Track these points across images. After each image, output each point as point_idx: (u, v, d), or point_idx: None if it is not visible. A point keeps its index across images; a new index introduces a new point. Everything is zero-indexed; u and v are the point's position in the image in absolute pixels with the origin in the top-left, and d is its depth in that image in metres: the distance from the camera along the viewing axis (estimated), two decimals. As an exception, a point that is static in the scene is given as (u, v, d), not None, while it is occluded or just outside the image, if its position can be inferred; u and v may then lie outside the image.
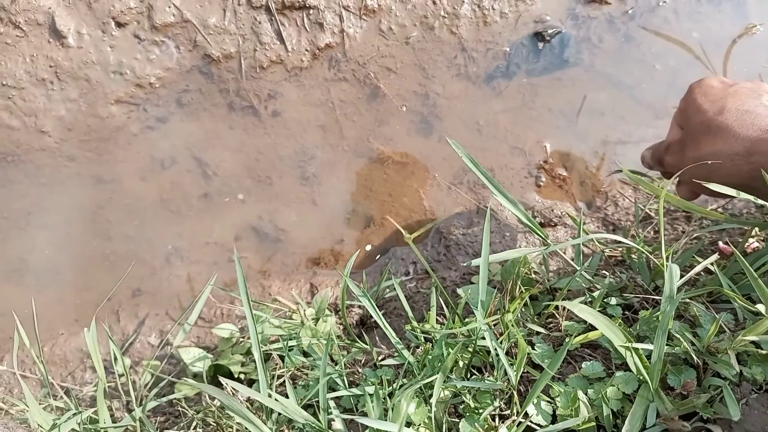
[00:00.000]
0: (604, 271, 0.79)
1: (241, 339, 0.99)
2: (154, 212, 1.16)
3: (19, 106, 1.14)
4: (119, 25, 1.15)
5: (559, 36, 1.21)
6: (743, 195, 0.66)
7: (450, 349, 0.63)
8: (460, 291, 0.89)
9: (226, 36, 1.18)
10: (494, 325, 0.73)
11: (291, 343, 0.81)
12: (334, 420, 0.60)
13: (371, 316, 1.09)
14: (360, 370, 0.76)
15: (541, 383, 0.54)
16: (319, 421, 0.60)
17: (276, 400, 0.57)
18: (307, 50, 1.20)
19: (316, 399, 0.65)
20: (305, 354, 0.86)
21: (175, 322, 1.10)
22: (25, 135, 1.15)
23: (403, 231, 0.60)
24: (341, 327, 1.05)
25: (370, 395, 0.60)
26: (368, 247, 1.16)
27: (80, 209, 1.16)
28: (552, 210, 1.14)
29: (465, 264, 0.64)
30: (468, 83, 1.22)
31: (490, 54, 1.22)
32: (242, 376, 0.96)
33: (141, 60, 1.17)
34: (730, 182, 0.70)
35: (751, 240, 0.81)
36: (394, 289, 1.08)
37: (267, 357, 0.96)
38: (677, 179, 0.77)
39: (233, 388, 0.67)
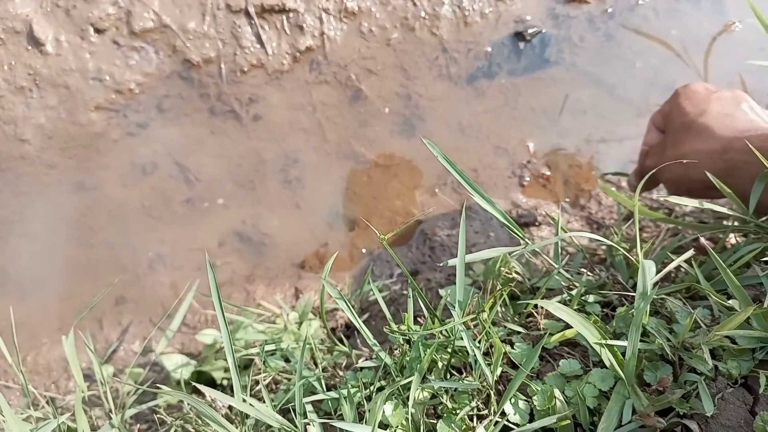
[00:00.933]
0: (583, 269, 0.79)
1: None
2: (137, 219, 1.16)
3: (-2, 115, 1.14)
4: (98, 31, 1.15)
5: (540, 35, 1.22)
6: (707, 205, 0.68)
7: (427, 350, 0.63)
8: (441, 292, 0.89)
9: (205, 40, 1.18)
10: (474, 325, 0.72)
11: (271, 347, 0.81)
12: (310, 424, 0.60)
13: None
14: (341, 373, 0.76)
15: (516, 382, 0.54)
16: (295, 425, 0.59)
17: (251, 405, 0.56)
18: (287, 53, 1.20)
19: (293, 403, 0.65)
20: (287, 359, 0.86)
21: (157, 328, 1.10)
22: (4, 143, 1.14)
23: (377, 232, 0.60)
24: (325, 331, 1.04)
25: (345, 398, 0.59)
26: (364, 250, 1.16)
27: (62, 217, 1.15)
28: (536, 209, 1.14)
29: (442, 264, 0.63)
30: (450, 84, 1.22)
31: (471, 54, 1.22)
32: (225, 382, 0.96)
33: (120, 66, 1.16)
34: (707, 179, 0.71)
35: (731, 235, 0.81)
36: (378, 291, 1.08)
37: (249, 362, 0.95)
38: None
39: (211, 396, 0.66)
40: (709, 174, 0.69)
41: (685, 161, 0.74)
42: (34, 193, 1.15)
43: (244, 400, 0.56)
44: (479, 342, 0.62)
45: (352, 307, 1.07)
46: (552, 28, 1.22)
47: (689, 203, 0.71)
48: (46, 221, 1.15)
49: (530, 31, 1.20)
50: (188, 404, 0.76)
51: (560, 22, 1.22)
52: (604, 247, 0.97)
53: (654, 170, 0.77)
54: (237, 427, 0.56)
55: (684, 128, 0.76)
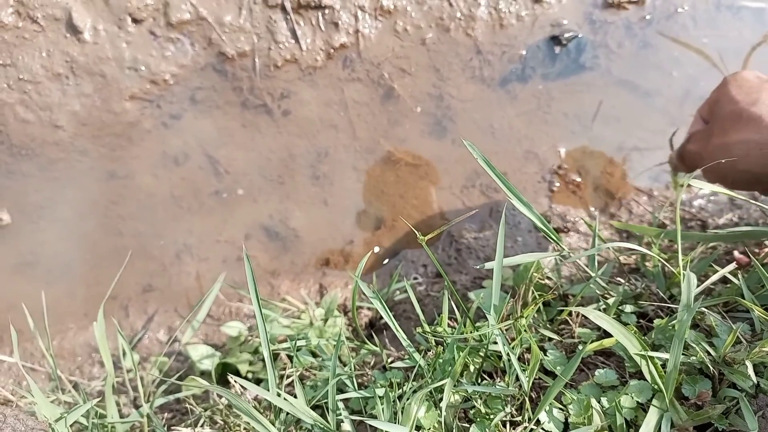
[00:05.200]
0: (619, 278, 0.78)
1: (250, 337, 0.99)
2: (166, 209, 1.17)
3: (35, 100, 1.15)
4: (135, 21, 1.16)
5: (576, 40, 1.20)
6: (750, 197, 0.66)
7: (460, 353, 0.62)
8: (471, 295, 0.89)
9: (241, 34, 1.18)
10: (506, 330, 0.72)
11: (299, 343, 0.81)
12: (342, 421, 0.60)
13: (380, 318, 1.09)
14: (369, 372, 0.76)
15: (554, 390, 0.54)
16: (327, 422, 0.59)
17: (285, 399, 0.56)
18: (321, 50, 1.20)
19: (325, 400, 0.65)
20: (313, 354, 0.86)
21: (184, 319, 1.10)
22: (39, 129, 1.15)
23: (416, 232, 0.59)
24: (350, 328, 1.04)
25: (380, 397, 0.59)
26: (377, 249, 1.16)
27: (92, 204, 1.16)
28: (565, 216, 1.13)
29: (478, 267, 0.63)
30: (482, 86, 1.21)
31: (505, 57, 1.21)
32: (250, 375, 0.96)
33: (156, 57, 1.17)
34: (755, 172, 0.70)
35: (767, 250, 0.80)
36: (404, 291, 1.08)
37: (275, 356, 0.96)
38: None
39: (241, 386, 0.66)
40: None
41: (732, 152, 0.70)
42: (66, 179, 1.16)
43: (278, 395, 0.56)
44: (513, 348, 0.61)
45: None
46: (589, 34, 1.21)
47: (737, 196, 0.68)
48: (76, 208, 1.16)
49: (566, 35, 1.19)
50: (217, 395, 0.76)
51: (597, 28, 1.21)
52: (634, 257, 0.96)
53: (695, 156, 0.75)
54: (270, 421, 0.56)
55: (733, 116, 0.72)
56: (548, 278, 0.81)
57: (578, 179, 1.17)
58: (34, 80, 1.14)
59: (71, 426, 0.73)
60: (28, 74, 1.14)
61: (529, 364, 0.63)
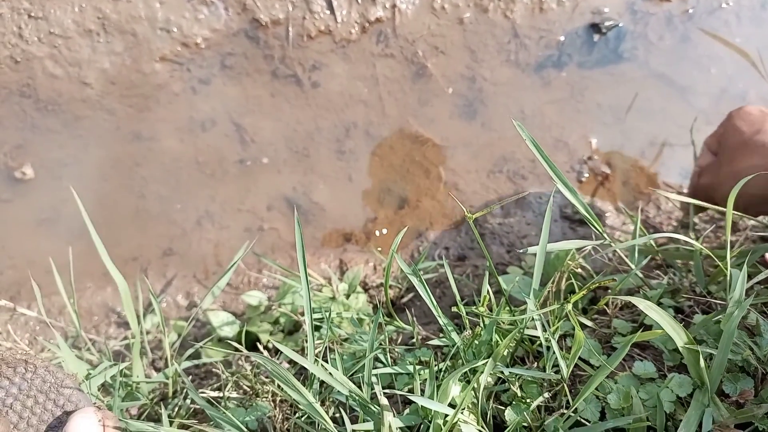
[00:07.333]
0: (658, 272, 0.77)
1: (271, 306, 0.98)
2: (189, 174, 1.15)
3: (64, 56, 1.13)
4: (170, -20, 1.13)
5: (616, 29, 1.18)
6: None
7: (499, 336, 0.62)
8: (501, 280, 0.88)
9: (276, 1, 1.16)
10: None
11: (326, 315, 0.80)
12: (376, 395, 0.59)
13: (401, 298, 1.08)
14: (396, 349, 0.75)
15: (597, 378, 0.53)
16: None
17: (324, 368, 0.56)
18: (356, 23, 1.18)
19: (357, 374, 0.64)
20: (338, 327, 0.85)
21: (203, 285, 1.10)
22: (67, 85, 1.14)
23: (464, 209, 0.58)
24: (370, 305, 1.03)
25: (419, 374, 0.59)
26: (384, 231, 1.15)
27: (116, 164, 1.15)
28: (592, 207, 1.12)
29: (521, 251, 0.62)
30: (517, 70, 1.19)
31: (542, 42, 1.19)
32: (270, 345, 0.96)
33: (189, 19, 1.15)
34: (765, 195, 0.74)
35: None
36: (426, 272, 1.07)
37: (297, 328, 0.95)
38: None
39: (275, 351, 0.66)
40: None
41: (741, 178, 0.73)
42: (91, 137, 1.15)
43: (316, 363, 0.55)
44: (554, 332, 0.61)
45: (400, 286, 1.06)
46: (629, 24, 1.19)
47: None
48: (99, 167, 1.15)
49: (607, 23, 1.17)
50: (245, 360, 0.76)
51: (638, 18, 1.19)
52: (663, 252, 0.95)
53: (708, 189, 0.78)
54: (308, 389, 0.55)
55: (740, 146, 0.78)
56: (582, 267, 0.80)
57: (607, 171, 1.15)
58: (64, 35, 1.13)
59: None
60: (59, 28, 1.12)
61: (563, 351, 0.63)
